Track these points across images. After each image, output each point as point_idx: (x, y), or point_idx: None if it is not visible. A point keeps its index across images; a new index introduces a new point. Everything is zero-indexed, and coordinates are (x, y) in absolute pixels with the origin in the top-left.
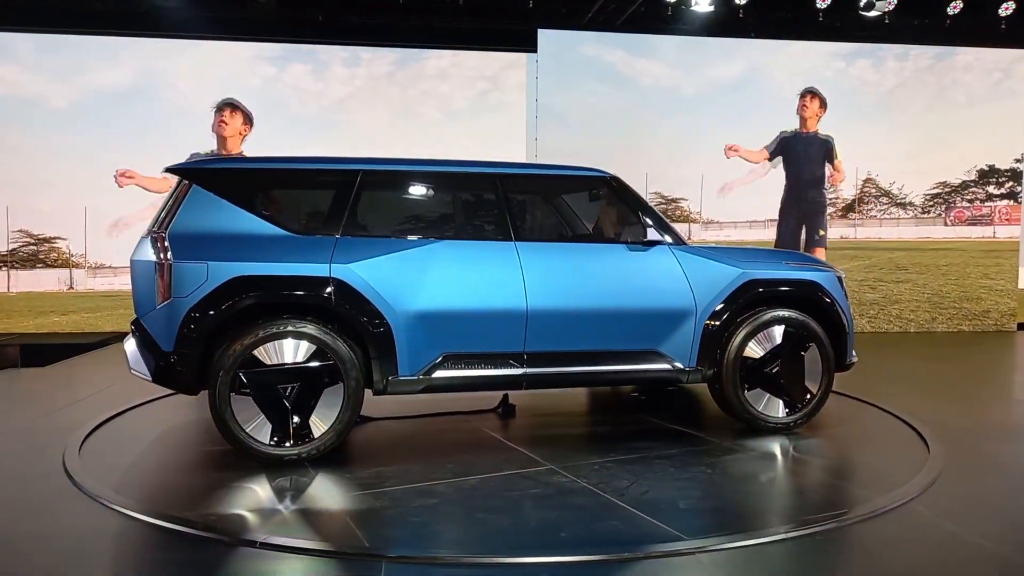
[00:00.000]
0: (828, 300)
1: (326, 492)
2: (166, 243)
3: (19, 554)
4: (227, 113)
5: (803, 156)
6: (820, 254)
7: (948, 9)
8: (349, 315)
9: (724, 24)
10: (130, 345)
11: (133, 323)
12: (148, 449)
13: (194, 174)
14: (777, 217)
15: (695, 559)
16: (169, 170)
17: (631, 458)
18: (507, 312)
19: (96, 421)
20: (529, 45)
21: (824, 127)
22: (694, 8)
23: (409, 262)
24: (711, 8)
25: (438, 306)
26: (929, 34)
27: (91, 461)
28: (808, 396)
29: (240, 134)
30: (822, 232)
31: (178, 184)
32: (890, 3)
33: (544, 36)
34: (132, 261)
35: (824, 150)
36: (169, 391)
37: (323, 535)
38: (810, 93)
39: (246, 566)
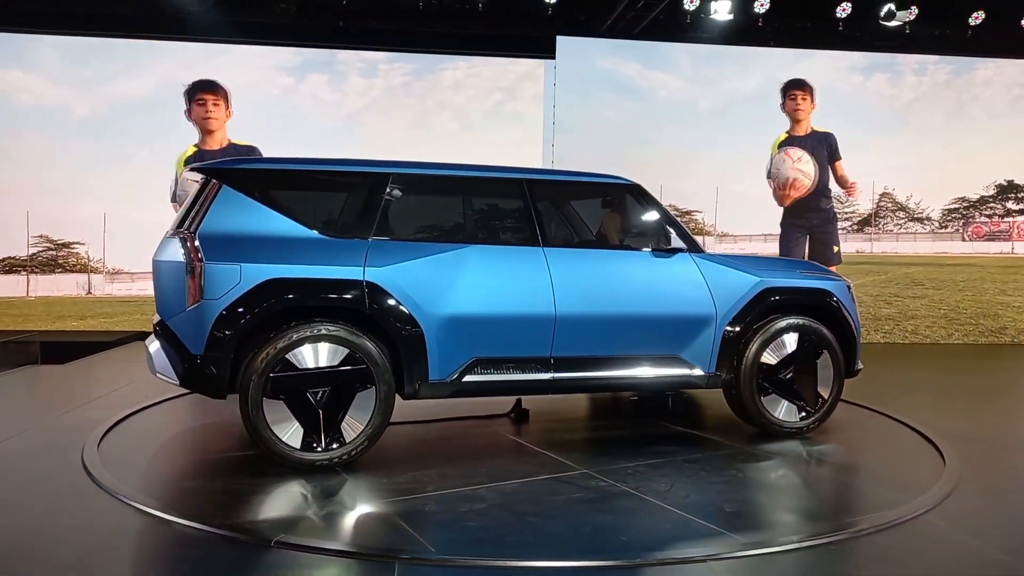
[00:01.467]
0: (839, 308)
1: (369, 496)
2: (196, 244)
3: (40, 550)
4: (211, 103)
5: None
6: None
7: (970, 19)
8: (383, 319)
9: (743, 33)
10: (154, 347)
11: (157, 325)
12: (167, 446)
13: (223, 174)
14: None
15: (707, 566)
16: (196, 169)
17: (659, 462)
18: (536, 317)
19: (115, 418)
20: (548, 52)
21: (844, 139)
22: (713, 17)
23: (441, 266)
24: (730, 17)
25: (469, 310)
26: (950, 44)
27: (110, 458)
28: (820, 401)
29: (226, 119)
30: (836, 248)
31: (205, 184)
32: (911, 13)
33: (562, 43)
34: (156, 262)
35: (827, 149)
36: (188, 391)
37: (383, 540)
38: (797, 88)
39: (261, 565)
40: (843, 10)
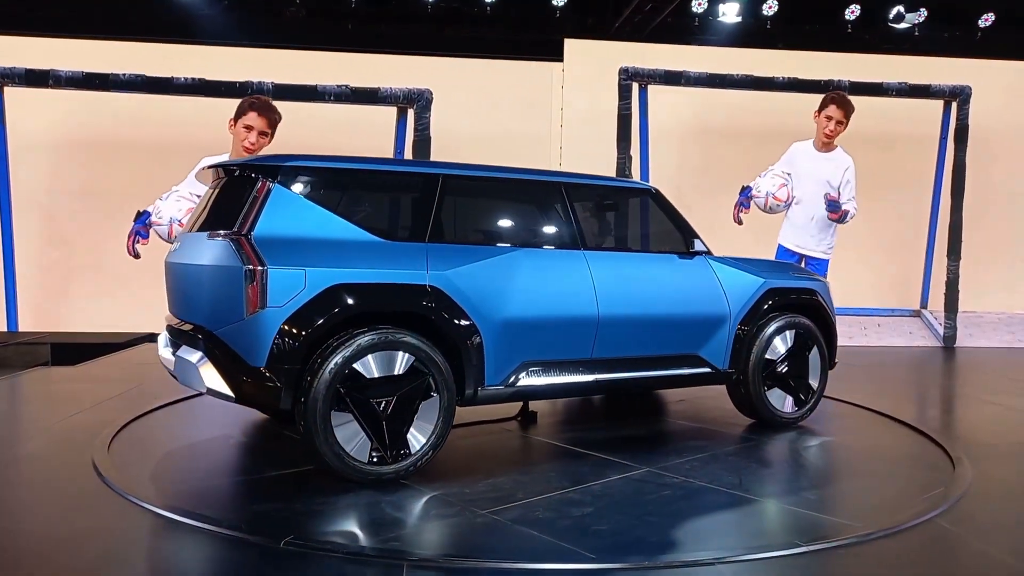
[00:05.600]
0: (823, 306)
1: (468, 507)
2: (253, 247)
3: (51, 551)
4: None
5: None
6: None
7: (979, 21)
8: (445, 323)
9: (751, 36)
10: (197, 358)
11: (199, 334)
12: (177, 447)
13: (273, 172)
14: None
15: (715, 569)
16: (245, 167)
17: (704, 456)
18: (582, 319)
19: (125, 419)
20: (556, 55)
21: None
22: (721, 19)
23: (495, 270)
24: (738, 19)
25: (522, 313)
26: (959, 46)
27: (120, 459)
28: (811, 393)
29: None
30: None
31: (248, 182)
32: (920, 15)
33: (571, 46)
34: (184, 265)
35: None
36: (198, 394)
37: (533, 552)
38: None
39: (271, 566)
40: (852, 12)
